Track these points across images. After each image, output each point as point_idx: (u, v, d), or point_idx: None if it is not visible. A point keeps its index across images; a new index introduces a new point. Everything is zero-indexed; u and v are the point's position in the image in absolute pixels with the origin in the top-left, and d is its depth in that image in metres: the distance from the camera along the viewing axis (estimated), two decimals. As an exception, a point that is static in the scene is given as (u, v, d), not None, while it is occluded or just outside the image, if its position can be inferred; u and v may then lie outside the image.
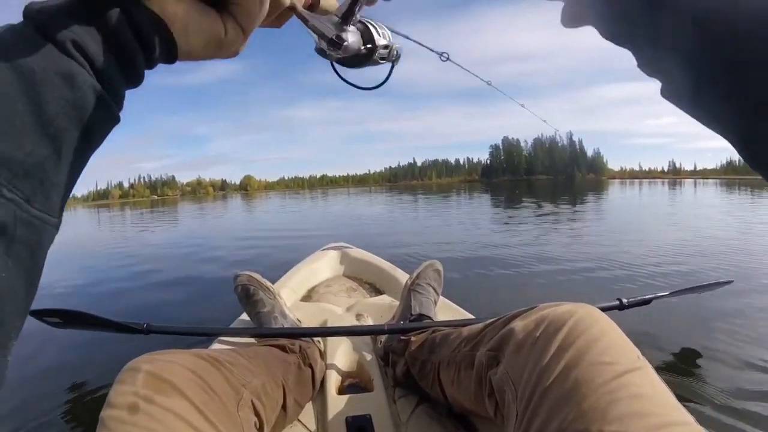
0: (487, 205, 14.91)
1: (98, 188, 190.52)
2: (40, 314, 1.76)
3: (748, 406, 1.57)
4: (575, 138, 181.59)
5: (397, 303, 1.64)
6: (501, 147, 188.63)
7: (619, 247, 4.93)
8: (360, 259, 2.40)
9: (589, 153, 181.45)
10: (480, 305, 1.64)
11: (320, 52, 0.56)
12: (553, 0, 0.41)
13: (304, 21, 0.51)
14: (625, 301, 1.60)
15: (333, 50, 0.54)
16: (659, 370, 0.58)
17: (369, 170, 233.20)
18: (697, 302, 2.54)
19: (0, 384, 0.30)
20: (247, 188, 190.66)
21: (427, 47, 0.75)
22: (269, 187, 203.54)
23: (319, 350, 1.30)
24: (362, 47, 0.57)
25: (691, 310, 2.53)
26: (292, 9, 0.48)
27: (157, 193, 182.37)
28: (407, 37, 0.66)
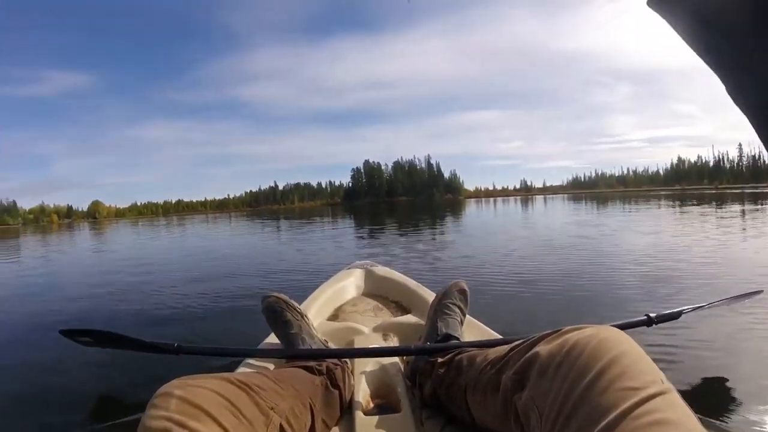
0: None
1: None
2: (72, 334, 1.81)
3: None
4: (433, 161, 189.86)
5: (423, 322, 1.65)
6: (362, 170, 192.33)
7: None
8: (385, 277, 2.40)
9: (446, 175, 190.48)
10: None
11: None
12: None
13: None
14: (653, 315, 1.58)
15: None
16: (685, 391, 0.62)
17: (228, 195, 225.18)
18: (727, 314, 2.50)
19: None
20: (95, 215, 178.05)
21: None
22: (120, 214, 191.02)
23: (346, 371, 1.30)
24: None
25: (721, 323, 2.46)
26: None
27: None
28: None
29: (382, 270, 2.51)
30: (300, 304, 1.62)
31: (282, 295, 1.56)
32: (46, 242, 19.49)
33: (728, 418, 1.61)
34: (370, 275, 2.46)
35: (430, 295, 1.92)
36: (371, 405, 1.27)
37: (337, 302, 2.19)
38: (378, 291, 2.34)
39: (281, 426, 0.83)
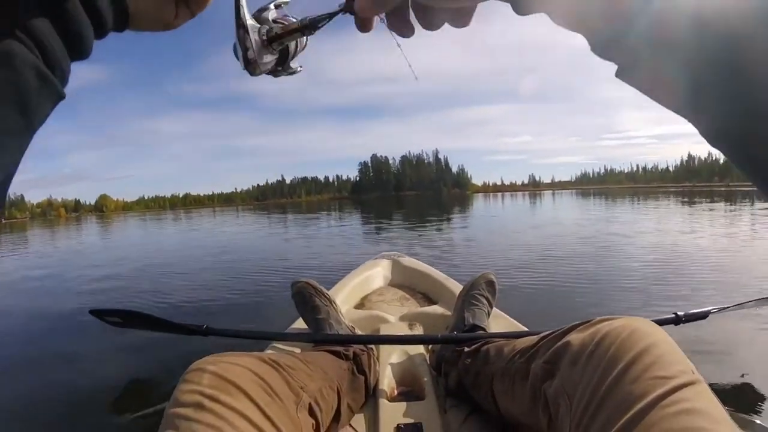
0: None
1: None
2: (101, 314, 1.85)
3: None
4: (441, 156, 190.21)
5: (449, 313, 1.66)
6: (370, 164, 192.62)
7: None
8: (412, 268, 2.41)
9: (454, 169, 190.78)
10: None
11: (235, 53, 0.56)
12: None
13: (239, 26, 0.53)
14: (681, 314, 1.56)
15: (244, 67, 0.56)
16: (713, 386, 0.62)
17: (236, 188, 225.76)
18: (754, 315, 2.48)
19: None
20: (102, 209, 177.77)
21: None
22: (127, 207, 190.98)
23: (372, 357, 1.32)
24: (272, 68, 0.60)
25: (748, 324, 2.44)
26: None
27: (5, 216, 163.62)
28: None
29: (409, 261, 2.52)
30: (327, 291, 1.63)
31: (311, 281, 1.57)
32: (54, 236, 19.50)
33: (754, 411, 1.62)
34: (397, 266, 2.47)
35: (456, 287, 1.93)
36: (396, 392, 1.28)
37: (364, 291, 2.21)
38: (405, 281, 2.35)
39: (310, 405, 0.84)
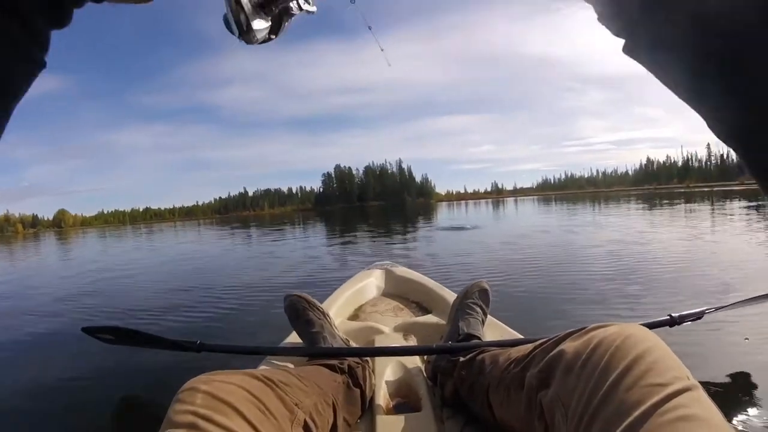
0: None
1: None
2: (93, 331, 1.86)
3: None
4: (404, 165, 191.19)
5: (443, 322, 1.65)
6: (333, 175, 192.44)
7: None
8: (406, 277, 2.41)
9: (418, 179, 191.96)
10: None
11: (226, 23, 0.57)
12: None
13: None
14: (676, 316, 1.56)
15: (239, 35, 0.56)
16: (710, 388, 0.62)
17: (197, 201, 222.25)
18: (749, 314, 2.46)
19: None
20: (61, 225, 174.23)
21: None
22: (86, 222, 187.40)
23: (368, 370, 1.31)
24: (266, 35, 0.59)
25: (744, 323, 2.43)
26: None
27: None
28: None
29: (402, 270, 2.52)
30: (321, 304, 1.62)
31: (304, 294, 1.56)
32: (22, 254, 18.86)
33: (752, 415, 1.60)
34: (390, 275, 2.47)
35: (450, 295, 1.93)
36: (392, 404, 1.27)
37: (358, 302, 2.20)
38: (398, 291, 2.35)
39: (305, 422, 0.83)
